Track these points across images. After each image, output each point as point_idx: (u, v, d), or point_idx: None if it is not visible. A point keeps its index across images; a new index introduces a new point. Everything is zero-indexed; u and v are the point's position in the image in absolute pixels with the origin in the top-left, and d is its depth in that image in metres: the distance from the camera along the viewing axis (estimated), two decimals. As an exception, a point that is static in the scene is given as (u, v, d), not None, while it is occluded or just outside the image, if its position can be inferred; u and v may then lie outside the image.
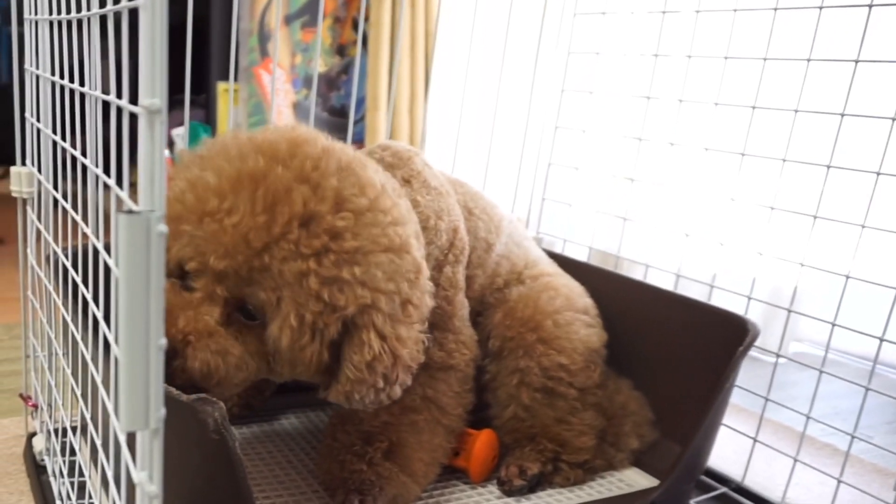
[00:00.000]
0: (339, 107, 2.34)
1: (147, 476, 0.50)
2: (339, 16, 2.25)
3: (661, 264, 1.26)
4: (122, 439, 0.54)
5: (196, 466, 0.68)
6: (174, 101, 2.49)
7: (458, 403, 0.95)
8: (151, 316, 0.47)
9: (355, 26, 2.30)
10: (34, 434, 0.98)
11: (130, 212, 0.46)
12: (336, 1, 2.18)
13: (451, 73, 1.91)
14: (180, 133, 2.14)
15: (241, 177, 0.68)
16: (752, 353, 0.96)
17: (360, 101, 2.33)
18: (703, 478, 1.11)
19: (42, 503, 0.86)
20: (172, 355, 0.68)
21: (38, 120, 0.84)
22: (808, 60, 1.01)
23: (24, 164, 0.90)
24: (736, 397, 1.08)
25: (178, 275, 0.71)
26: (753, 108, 1.08)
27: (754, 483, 1.10)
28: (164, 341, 0.47)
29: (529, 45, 1.39)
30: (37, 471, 0.92)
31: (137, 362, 0.47)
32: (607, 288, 1.13)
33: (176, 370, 0.69)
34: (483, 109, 1.97)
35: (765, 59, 1.06)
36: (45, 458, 0.90)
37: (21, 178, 0.89)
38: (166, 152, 2.03)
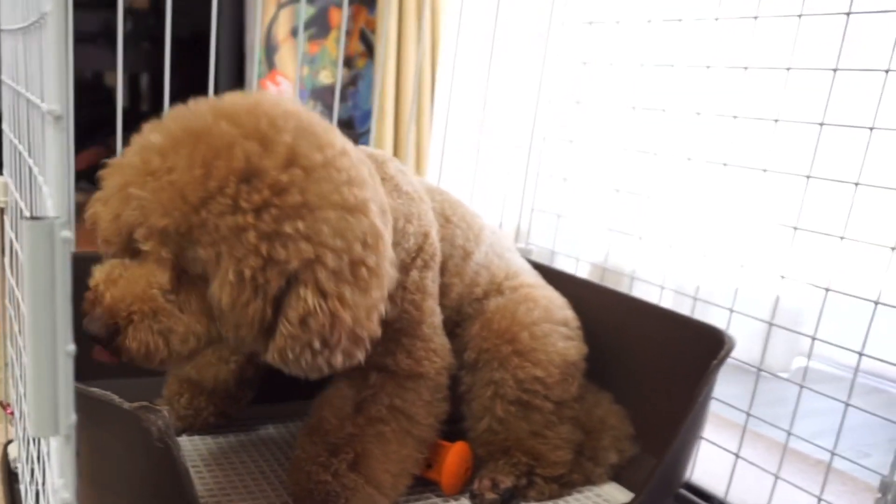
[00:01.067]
0: (345, 118, 2.36)
1: (63, 483, 0.51)
2: (347, 28, 2.27)
3: (648, 276, 1.25)
4: (19, 438, 0.54)
5: (142, 475, 0.69)
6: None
7: (429, 413, 0.93)
8: (58, 322, 0.47)
9: (362, 38, 2.32)
10: (10, 442, 0.99)
11: (34, 218, 0.46)
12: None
13: (450, 85, 1.91)
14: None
15: (185, 135, 0.67)
16: (758, 369, 0.94)
17: (367, 114, 2.35)
18: (687, 494, 1.09)
19: (11, 510, 0.88)
20: (115, 333, 0.68)
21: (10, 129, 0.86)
22: (788, 69, 0.99)
23: (1, 173, 0.91)
24: (729, 412, 1.06)
25: (129, 245, 0.70)
26: (735, 117, 1.06)
27: (740, 500, 1.07)
28: (72, 347, 0.47)
29: (521, 56, 1.38)
30: (10, 478, 0.93)
31: (44, 368, 0.47)
32: (590, 299, 1.12)
33: (117, 349, 0.68)
34: (474, 120, 1.97)
35: (745, 68, 1.05)
36: (18, 465, 0.91)
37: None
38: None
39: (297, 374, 0.72)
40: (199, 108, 0.71)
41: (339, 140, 0.75)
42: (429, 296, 0.94)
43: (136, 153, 0.69)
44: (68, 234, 0.46)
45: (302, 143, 0.69)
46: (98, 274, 0.71)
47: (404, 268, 0.90)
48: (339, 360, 0.71)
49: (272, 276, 0.66)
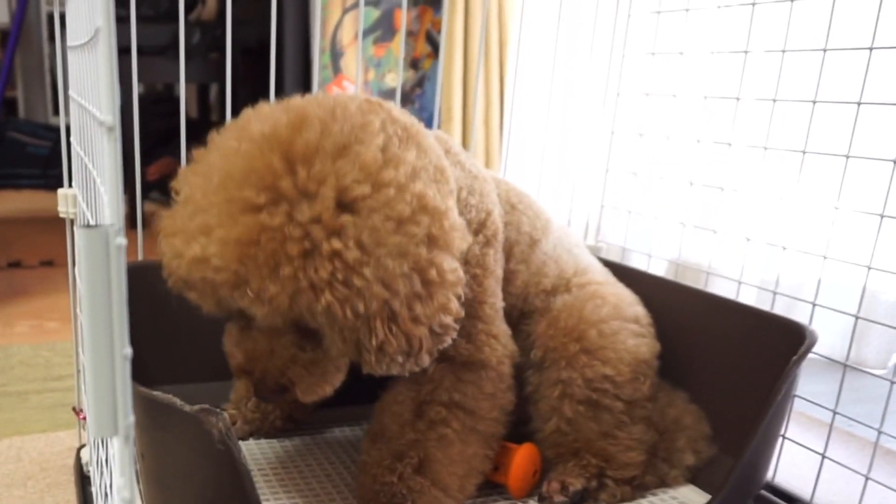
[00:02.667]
0: (413, 120, 2.36)
1: (125, 482, 0.51)
2: (412, 29, 2.27)
3: (725, 271, 1.20)
4: (90, 442, 0.55)
5: (204, 477, 0.69)
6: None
7: (493, 406, 0.89)
8: (115, 326, 0.47)
9: (428, 39, 2.31)
10: (83, 446, 1.02)
11: (89, 226, 0.47)
12: (408, 15, 2.20)
13: (514, 81, 1.89)
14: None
15: (231, 177, 0.66)
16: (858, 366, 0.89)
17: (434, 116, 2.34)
18: (769, 496, 1.04)
19: (83, 513, 0.90)
20: (285, 390, 0.75)
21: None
22: (871, 49, 0.94)
23: (70, 185, 0.94)
24: (819, 411, 1.01)
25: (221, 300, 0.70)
26: (814, 102, 1.01)
27: (827, 502, 1.02)
28: (128, 350, 0.48)
29: (588, 49, 1.35)
30: (82, 481, 0.95)
31: (103, 370, 0.48)
32: (663, 296, 1.08)
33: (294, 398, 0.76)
34: (541, 116, 1.94)
35: (824, 51, 0.99)
36: (91, 469, 0.94)
37: (67, 200, 0.93)
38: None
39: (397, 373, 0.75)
40: (252, 133, 0.69)
41: (376, 138, 0.70)
42: (490, 273, 0.90)
43: (201, 186, 0.68)
44: (122, 240, 0.47)
45: (346, 176, 0.66)
46: (235, 350, 0.76)
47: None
48: (425, 360, 0.72)
49: (361, 324, 0.68)
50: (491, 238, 0.90)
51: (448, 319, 0.72)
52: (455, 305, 0.72)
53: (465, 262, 0.85)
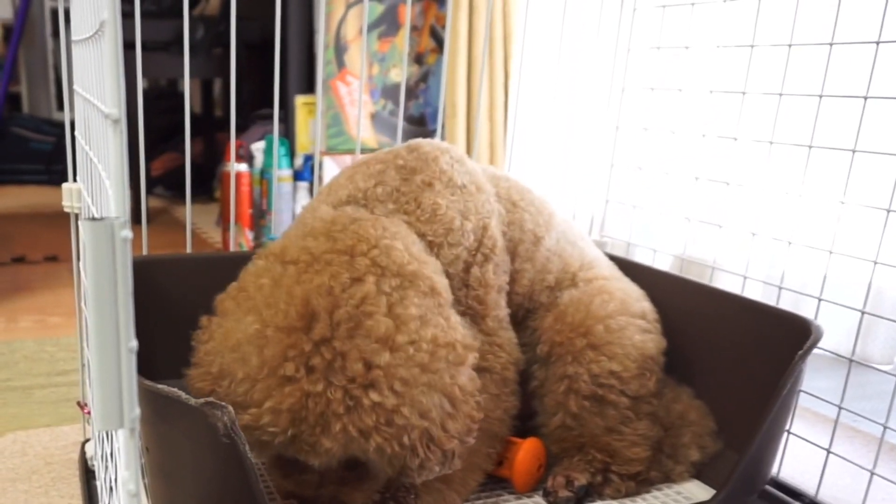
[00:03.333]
0: (417, 116, 2.35)
1: (131, 475, 0.51)
2: (417, 24, 2.26)
3: (731, 266, 1.20)
4: (95, 436, 0.55)
5: (210, 471, 0.69)
6: (254, 116, 2.58)
7: (497, 406, 0.91)
8: (121, 318, 0.47)
9: (433, 34, 2.31)
10: (88, 440, 1.02)
11: (94, 219, 0.47)
12: (413, 9, 2.20)
13: (519, 77, 1.89)
14: (260, 147, 2.21)
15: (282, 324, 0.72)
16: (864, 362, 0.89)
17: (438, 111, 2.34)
18: (775, 492, 1.04)
19: (88, 506, 0.90)
20: None
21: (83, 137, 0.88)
22: (878, 42, 0.93)
23: (74, 179, 0.94)
24: (824, 407, 1.01)
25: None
26: (820, 97, 1.01)
27: (835, 498, 1.02)
28: (134, 343, 0.47)
29: (593, 44, 1.35)
30: (87, 475, 0.96)
31: (108, 363, 0.47)
32: (668, 291, 1.08)
33: None
34: (546, 112, 1.94)
35: (830, 45, 0.99)
36: (95, 463, 0.94)
37: (72, 194, 0.93)
38: (245, 167, 2.12)
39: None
40: (277, 321, 0.72)
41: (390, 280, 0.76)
42: (491, 289, 0.92)
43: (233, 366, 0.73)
44: (128, 233, 0.47)
45: (366, 350, 0.71)
46: (285, 482, 0.79)
47: (466, 266, 0.89)
48: (458, 463, 0.78)
49: (407, 453, 0.73)
50: (489, 254, 0.92)
51: (473, 426, 0.78)
52: (476, 412, 0.78)
53: (467, 285, 0.90)
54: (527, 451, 0.94)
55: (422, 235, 0.87)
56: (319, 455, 0.71)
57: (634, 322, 0.99)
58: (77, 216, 0.94)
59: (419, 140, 0.96)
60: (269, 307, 0.73)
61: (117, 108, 0.47)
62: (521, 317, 1.00)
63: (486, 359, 0.90)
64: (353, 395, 0.70)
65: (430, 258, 0.85)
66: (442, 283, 0.82)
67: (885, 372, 0.98)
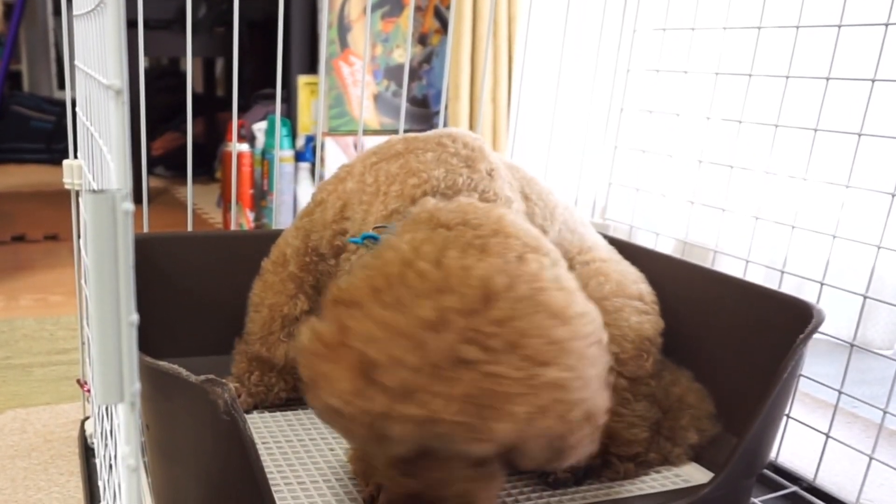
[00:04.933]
0: (420, 97, 2.34)
1: (131, 450, 0.51)
2: (421, 4, 2.25)
3: (733, 250, 1.19)
4: (95, 414, 0.55)
5: (210, 449, 0.69)
6: (256, 96, 2.56)
7: None
8: (121, 292, 0.47)
9: (437, 14, 2.29)
10: (87, 418, 1.02)
11: (95, 191, 0.46)
12: (416, -9, 2.19)
13: (523, 58, 1.88)
14: (262, 127, 2.20)
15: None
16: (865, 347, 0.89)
17: (441, 92, 2.33)
18: (773, 475, 1.04)
19: (87, 483, 0.90)
20: None
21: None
22: (886, 25, 0.93)
23: (75, 156, 0.93)
24: (824, 392, 1.01)
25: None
26: (827, 79, 1.00)
27: (833, 483, 1.02)
28: (135, 317, 0.47)
29: (597, 25, 1.34)
30: (86, 453, 0.96)
31: (109, 337, 0.47)
32: (669, 274, 1.08)
33: None
34: (550, 93, 1.92)
35: (839, 27, 0.98)
36: (94, 441, 0.94)
37: (73, 171, 0.92)
38: (246, 147, 2.11)
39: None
40: (444, 305, 0.65)
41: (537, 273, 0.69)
42: None
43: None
44: (129, 205, 0.46)
45: (533, 342, 0.65)
46: (407, 481, 0.72)
47: None
48: (594, 447, 0.72)
49: (574, 428, 0.68)
50: None
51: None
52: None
53: None
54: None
55: None
56: (494, 444, 0.65)
57: (631, 303, 0.99)
58: (78, 193, 0.94)
59: (450, 129, 0.95)
60: (444, 291, 0.66)
61: (119, 79, 0.46)
62: None
63: None
64: (531, 374, 0.64)
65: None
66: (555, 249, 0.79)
67: (886, 357, 0.98)
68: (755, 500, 0.97)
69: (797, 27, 1.04)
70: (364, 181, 0.90)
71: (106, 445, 0.80)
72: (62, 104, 3.44)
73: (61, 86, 4.20)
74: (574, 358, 0.66)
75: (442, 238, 0.70)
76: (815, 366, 1.00)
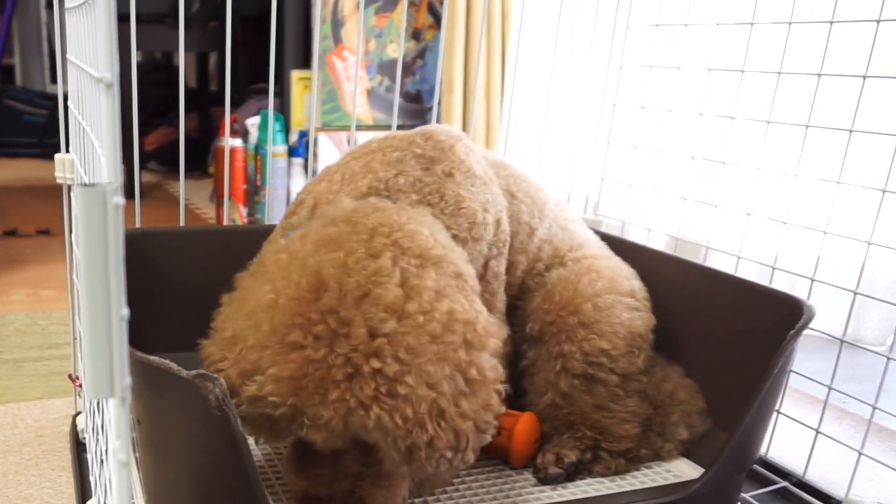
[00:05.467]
0: (414, 92, 2.34)
1: (121, 444, 0.51)
2: (414, 0, 2.25)
3: (725, 246, 1.20)
4: (86, 409, 0.55)
5: (202, 443, 0.69)
6: (249, 91, 2.55)
7: None
8: (112, 286, 0.47)
9: (430, 10, 2.29)
10: (79, 413, 1.02)
11: (86, 185, 0.46)
12: (410, -14, 2.18)
13: (517, 54, 1.87)
14: (255, 122, 2.19)
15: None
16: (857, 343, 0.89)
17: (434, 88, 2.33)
18: (763, 471, 1.05)
19: (79, 478, 0.90)
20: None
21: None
22: (878, 21, 0.93)
23: (67, 150, 0.93)
24: (815, 388, 1.01)
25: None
26: (819, 75, 1.00)
27: (822, 478, 1.03)
28: (125, 311, 0.47)
29: (591, 21, 1.34)
30: (77, 448, 0.96)
31: (100, 331, 0.47)
32: (660, 270, 1.08)
33: None
34: (543, 89, 1.93)
35: (831, 23, 0.98)
36: (86, 436, 0.94)
37: (65, 165, 0.92)
38: (240, 142, 2.11)
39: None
40: (288, 291, 0.71)
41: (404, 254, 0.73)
42: (502, 282, 0.93)
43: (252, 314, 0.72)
44: (120, 199, 0.46)
45: (373, 318, 0.68)
46: (297, 478, 0.77)
47: (486, 261, 0.90)
48: (471, 457, 0.72)
49: (413, 427, 0.68)
50: (501, 248, 0.92)
51: (489, 417, 0.73)
52: (496, 401, 0.74)
53: (483, 279, 0.89)
54: (527, 422, 0.95)
55: (448, 229, 0.85)
56: (320, 431, 0.68)
57: (622, 300, 0.99)
58: (70, 187, 0.94)
59: (432, 127, 0.94)
60: (283, 278, 0.72)
61: (110, 72, 0.46)
62: (511, 302, 1.00)
63: None
64: (353, 363, 0.67)
65: (458, 247, 0.82)
66: (469, 271, 0.79)
67: (875, 352, 0.99)
68: (745, 496, 0.98)
69: (789, 23, 1.05)
70: (332, 180, 0.90)
71: (97, 440, 0.80)
72: (55, 98, 3.42)
73: (54, 80, 4.18)
74: (406, 352, 0.68)
75: (314, 233, 0.76)
76: (806, 362, 1.00)
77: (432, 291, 0.72)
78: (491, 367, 0.74)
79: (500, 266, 0.92)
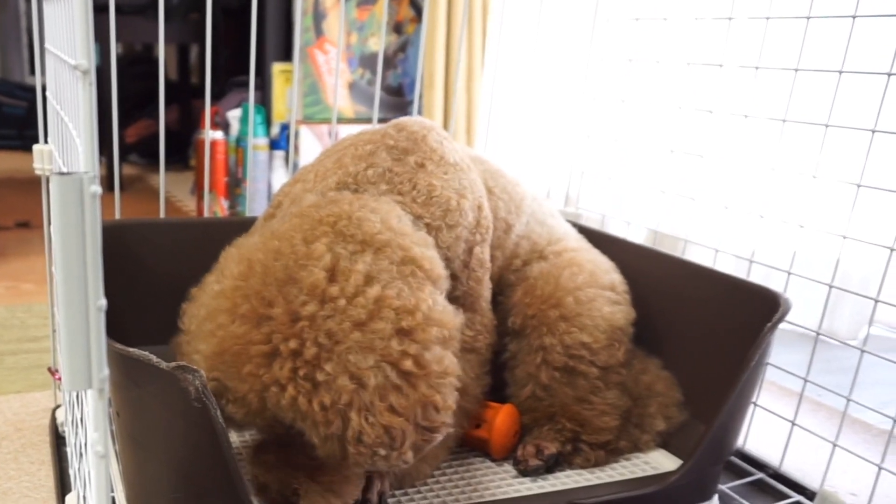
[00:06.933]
0: (395, 86, 2.34)
1: (99, 437, 0.51)
2: (396, -6, 2.24)
3: (703, 239, 1.21)
4: (67, 399, 0.54)
5: (181, 435, 0.69)
6: (230, 83, 2.54)
7: (478, 385, 0.93)
8: (89, 276, 0.47)
9: (412, 3, 2.29)
10: (59, 406, 1.02)
11: (63, 173, 0.46)
12: (392, -21, 2.17)
13: (497, 48, 1.88)
14: (236, 115, 2.18)
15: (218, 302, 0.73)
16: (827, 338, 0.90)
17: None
18: (740, 462, 1.06)
19: (58, 472, 0.90)
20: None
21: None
22: (853, 17, 0.94)
23: (45, 141, 0.92)
24: (790, 381, 1.02)
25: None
26: (796, 70, 1.01)
27: (798, 470, 1.04)
28: (103, 302, 0.47)
29: (571, 15, 1.35)
30: (57, 441, 0.95)
31: (77, 323, 0.47)
32: (639, 263, 1.09)
33: None
34: (523, 83, 1.93)
35: (808, 18, 0.99)
36: (65, 429, 0.94)
37: (43, 156, 0.91)
38: (220, 134, 2.10)
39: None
40: (225, 279, 0.74)
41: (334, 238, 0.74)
42: (487, 270, 0.93)
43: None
44: (97, 188, 0.46)
45: (294, 300, 0.69)
46: (250, 465, 0.78)
47: (469, 247, 0.89)
48: (410, 455, 0.71)
49: (333, 417, 0.68)
50: (485, 234, 0.92)
51: (433, 414, 0.71)
52: (443, 399, 0.71)
53: (468, 266, 0.89)
54: (507, 414, 0.96)
55: (419, 217, 0.84)
56: (238, 404, 0.69)
57: (603, 294, 1.00)
58: (48, 179, 0.93)
59: (405, 119, 0.94)
60: (226, 270, 0.75)
61: (86, 59, 0.46)
62: (492, 298, 1.01)
63: (477, 339, 0.91)
64: (273, 343, 0.68)
65: (417, 232, 0.81)
66: (426, 255, 0.78)
67: (851, 346, 1.00)
68: (722, 487, 0.99)
69: (767, 18, 1.05)
70: (306, 179, 0.90)
71: (77, 434, 0.80)
72: (34, 90, 3.38)
73: (33, 71, 4.13)
74: (326, 337, 0.68)
75: (267, 228, 0.79)
76: (781, 355, 1.01)
77: (361, 275, 0.71)
78: (436, 359, 0.71)
79: (484, 253, 0.92)
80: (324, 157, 0.92)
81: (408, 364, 0.69)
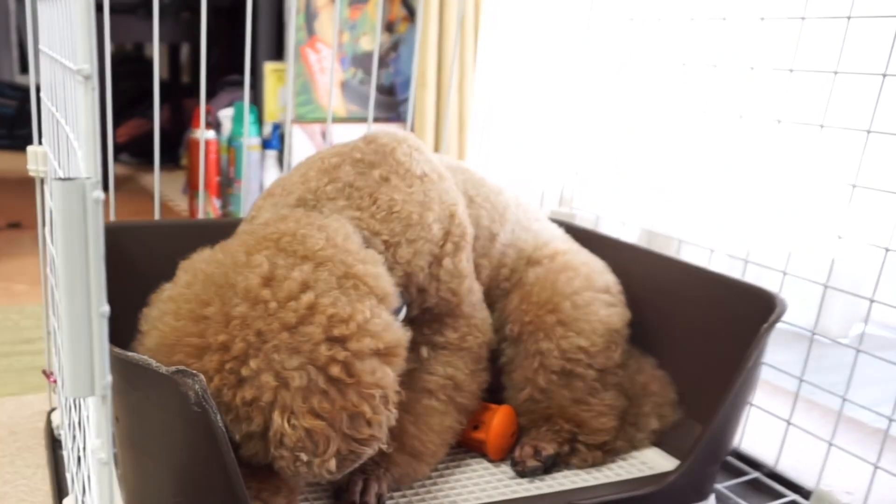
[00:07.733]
0: (387, 85, 2.33)
1: (102, 444, 0.50)
2: (388, -7, 2.24)
3: (697, 239, 1.21)
4: (62, 405, 0.54)
5: (181, 440, 0.69)
6: (222, 82, 2.53)
7: (473, 381, 0.93)
8: (92, 283, 0.47)
9: (404, 2, 2.28)
10: (54, 409, 1.01)
11: (64, 179, 0.46)
12: (384, -22, 2.17)
13: (489, 48, 1.88)
14: (228, 114, 2.17)
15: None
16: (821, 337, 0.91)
17: (409, 80, 2.32)
18: (735, 462, 1.06)
19: (55, 476, 0.89)
20: None
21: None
22: (848, 18, 0.94)
23: (40, 143, 0.92)
24: (784, 380, 1.03)
25: None
26: (791, 71, 1.02)
27: (793, 469, 1.04)
28: (105, 308, 0.47)
29: (565, 15, 1.35)
30: (53, 445, 0.95)
31: (79, 329, 0.47)
32: (634, 263, 1.09)
33: None
34: (516, 83, 1.93)
35: (803, 19, 1.00)
36: (62, 432, 0.93)
37: (37, 157, 0.91)
38: (212, 134, 2.09)
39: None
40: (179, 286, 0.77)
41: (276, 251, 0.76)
42: (465, 278, 0.92)
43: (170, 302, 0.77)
44: (99, 193, 0.46)
45: (229, 302, 0.72)
46: None
47: (436, 260, 0.88)
48: (332, 464, 0.70)
49: (256, 414, 0.69)
50: (459, 241, 0.90)
51: (365, 427, 0.71)
52: (372, 410, 0.71)
53: (437, 279, 0.88)
54: (503, 416, 0.96)
55: (376, 234, 0.84)
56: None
57: (599, 297, 1.01)
58: (42, 180, 0.92)
59: (377, 131, 0.93)
60: (175, 282, 0.78)
61: (88, 64, 0.46)
62: (488, 305, 1.00)
63: (465, 340, 0.92)
64: (204, 337, 0.70)
65: (365, 250, 0.80)
66: (370, 272, 0.77)
67: (845, 345, 1.00)
68: (718, 486, 0.99)
69: (762, 18, 1.06)
70: (274, 193, 0.90)
71: (74, 437, 0.79)
72: (24, 89, 3.36)
73: (23, 70, 4.10)
74: (256, 337, 0.70)
75: (220, 246, 0.80)
76: (774, 354, 1.02)
77: (296, 283, 0.73)
78: (369, 370, 0.71)
79: (460, 263, 0.90)
80: (295, 170, 0.92)
81: (335, 370, 0.70)
